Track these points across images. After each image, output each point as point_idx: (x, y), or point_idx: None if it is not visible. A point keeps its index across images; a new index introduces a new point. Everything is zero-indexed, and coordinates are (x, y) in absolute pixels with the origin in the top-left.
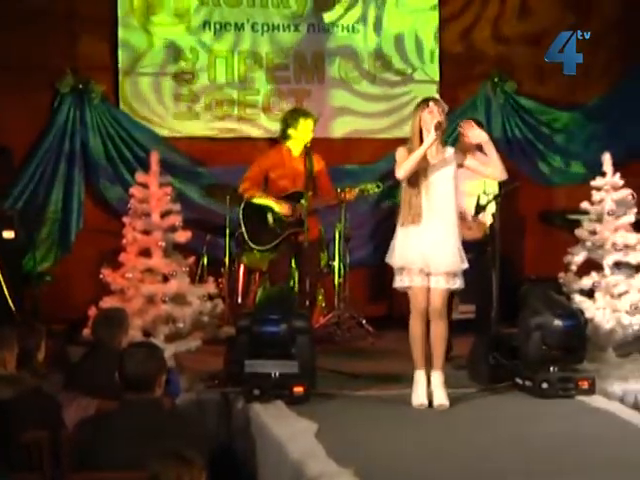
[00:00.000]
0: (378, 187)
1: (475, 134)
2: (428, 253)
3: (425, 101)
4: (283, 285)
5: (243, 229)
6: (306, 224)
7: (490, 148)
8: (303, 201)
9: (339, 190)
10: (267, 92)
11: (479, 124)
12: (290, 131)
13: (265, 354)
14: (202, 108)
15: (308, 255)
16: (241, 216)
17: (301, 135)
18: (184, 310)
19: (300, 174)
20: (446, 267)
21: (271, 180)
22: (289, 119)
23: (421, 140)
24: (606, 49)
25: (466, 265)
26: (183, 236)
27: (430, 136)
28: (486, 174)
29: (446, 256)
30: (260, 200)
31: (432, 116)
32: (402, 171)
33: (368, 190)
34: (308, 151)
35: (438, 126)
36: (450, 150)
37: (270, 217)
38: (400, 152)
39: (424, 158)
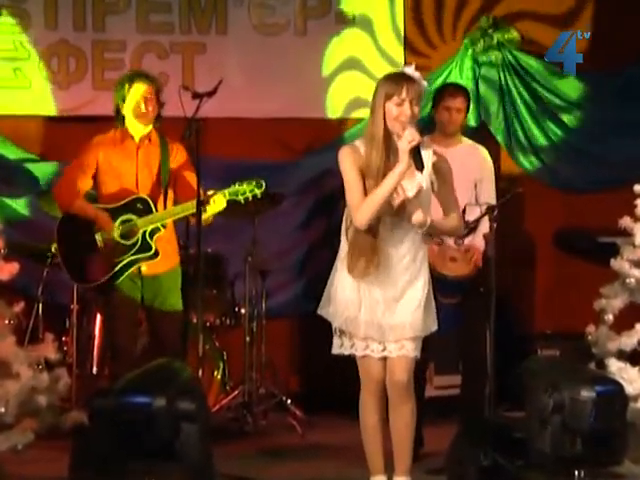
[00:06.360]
0: (258, 187)
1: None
2: (385, 312)
3: (394, 79)
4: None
5: (59, 257)
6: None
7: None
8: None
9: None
10: (137, 46)
11: (463, 94)
12: (122, 106)
13: (134, 452)
14: (36, 70)
15: (160, 297)
16: (56, 236)
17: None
18: (7, 386)
19: (148, 171)
20: (414, 331)
21: (101, 181)
22: (115, 88)
23: (385, 140)
24: None
25: (435, 327)
26: (6, 270)
27: (400, 165)
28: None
29: (413, 315)
30: (84, 210)
31: (401, 111)
32: (363, 218)
33: (242, 193)
34: (162, 136)
35: (412, 150)
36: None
37: (100, 238)
38: (345, 155)
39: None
